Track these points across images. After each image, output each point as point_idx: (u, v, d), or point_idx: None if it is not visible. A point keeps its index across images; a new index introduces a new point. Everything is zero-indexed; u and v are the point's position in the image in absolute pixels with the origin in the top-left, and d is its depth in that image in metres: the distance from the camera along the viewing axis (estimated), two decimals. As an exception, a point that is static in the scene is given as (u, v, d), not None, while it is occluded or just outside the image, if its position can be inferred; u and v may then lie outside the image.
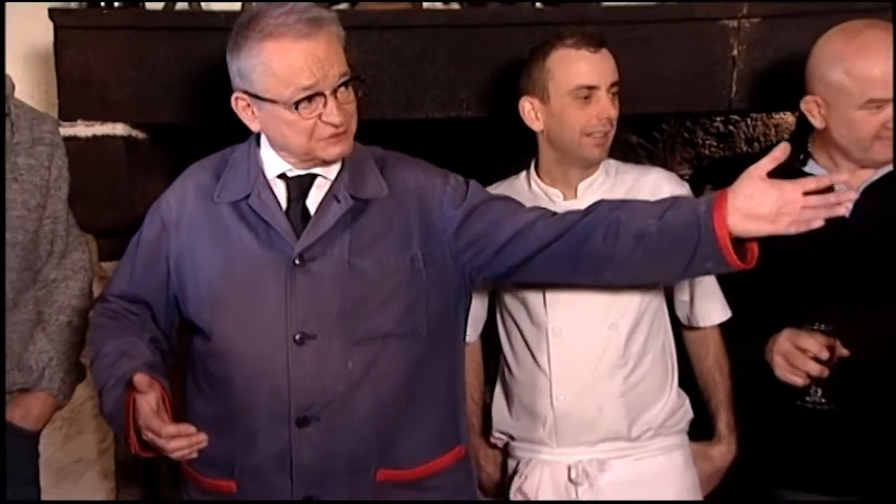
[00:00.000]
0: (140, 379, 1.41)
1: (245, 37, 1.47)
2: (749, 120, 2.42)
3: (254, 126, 1.54)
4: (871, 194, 1.57)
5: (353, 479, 1.52)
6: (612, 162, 1.79)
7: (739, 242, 1.41)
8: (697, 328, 1.81)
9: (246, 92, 1.49)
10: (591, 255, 1.52)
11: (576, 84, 1.68)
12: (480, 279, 1.65)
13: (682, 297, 1.82)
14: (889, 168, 1.59)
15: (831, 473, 1.60)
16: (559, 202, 1.73)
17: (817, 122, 1.58)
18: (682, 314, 1.83)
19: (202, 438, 1.41)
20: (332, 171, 1.55)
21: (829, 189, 1.43)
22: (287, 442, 1.50)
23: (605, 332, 1.72)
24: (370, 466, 1.52)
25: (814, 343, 1.57)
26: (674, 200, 1.55)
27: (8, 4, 1.73)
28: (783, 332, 1.60)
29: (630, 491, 1.73)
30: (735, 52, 1.95)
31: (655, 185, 1.75)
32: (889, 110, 1.54)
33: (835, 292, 1.58)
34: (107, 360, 1.54)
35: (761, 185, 1.35)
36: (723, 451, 1.82)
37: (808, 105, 1.59)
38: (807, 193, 1.35)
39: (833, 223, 1.40)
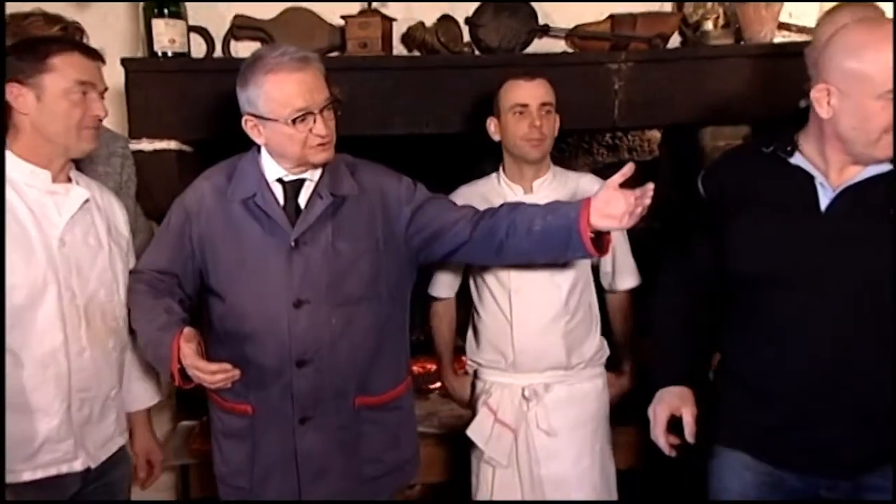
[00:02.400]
0: (189, 331, 1.58)
1: (251, 72, 1.60)
2: (629, 135, 2.76)
3: (259, 140, 1.66)
4: (846, 195, 1.43)
5: (337, 404, 1.71)
6: (559, 169, 2.04)
7: (599, 236, 1.60)
8: (615, 292, 2.10)
9: (253, 114, 1.63)
10: (497, 244, 1.70)
11: (513, 103, 1.89)
12: (422, 258, 1.80)
13: (605, 269, 2.08)
14: (871, 172, 1.42)
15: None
16: (520, 195, 1.96)
17: (824, 112, 1.39)
18: (605, 282, 2.09)
19: (236, 373, 1.59)
20: (316, 175, 1.69)
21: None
22: (289, 378, 1.67)
23: (551, 292, 1.95)
24: (350, 394, 1.71)
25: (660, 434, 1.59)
26: (555, 205, 1.70)
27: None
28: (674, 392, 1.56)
29: (567, 404, 1.99)
30: (616, 87, 2.27)
31: (588, 184, 1.99)
32: None
33: (802, 287, 1.44)
34: (150, 315, 1.67)
35: (615, 193, 1.54)
36: (624, 382, 2.13)
37: (818, 93, 1.38)
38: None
39: (807, 220, 1.43)
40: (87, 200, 1.66)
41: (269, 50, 1.64)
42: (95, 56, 1.64)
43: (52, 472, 1.58)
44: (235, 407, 1.73)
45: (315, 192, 1.68)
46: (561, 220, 1.63)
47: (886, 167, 1.41)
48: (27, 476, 1.56)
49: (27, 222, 1.57)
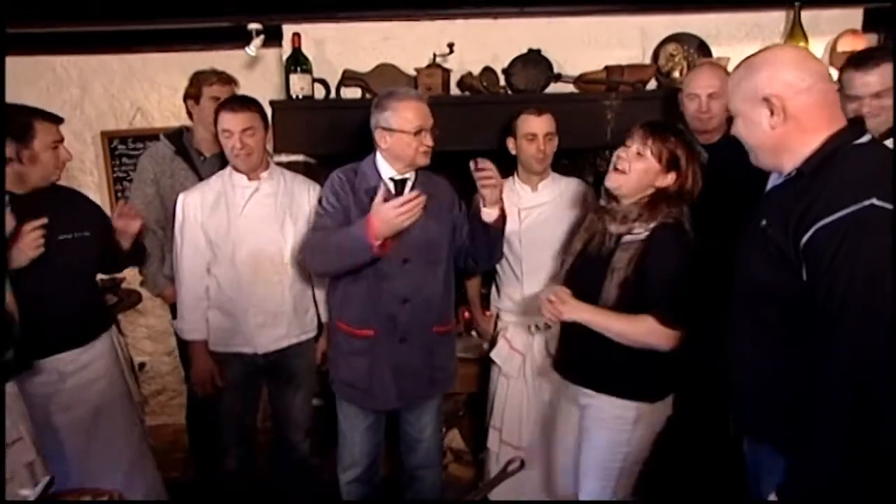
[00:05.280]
0: (382, 194, 1.97)
1: (388, 101, 2.07)
2: (621, 152, 3.08)
3: (384, 146, 2.09)
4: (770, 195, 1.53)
5: (423, 329, 2.19)
6: (555, 174, 2.51)
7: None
8: None
9: (384, 128, 2.07)
10: (477, 258, 2.21)
11: (526, 132, 2.37)
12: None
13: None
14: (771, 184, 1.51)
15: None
16: (528, 192, 2.43)
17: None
18: None
19: (423, 197, 1.96)
20: (413, 176, 2.16)
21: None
22: (396, 310, 2.14)
23: (549, 262, 2.45)
24: (430, 323, 2.21)
25: None
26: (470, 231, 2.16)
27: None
28: None
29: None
30: (609, 117, 2.73)
31: (575, 185, 2.47)
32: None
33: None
34: (336, 232, 2.08)
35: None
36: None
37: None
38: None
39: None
40: (256, 190, 2.38)
41: (399, 88, 2.17)
42: (237, 109, 2.32)
43: (234, 350, 2.48)
44: (361, 332, 2.18)
45: (414, 187, 2.13)
46: (477, 230, 2.18)
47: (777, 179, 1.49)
48: (221, 349, 2.47)
49: (223, 205, 2.40)
